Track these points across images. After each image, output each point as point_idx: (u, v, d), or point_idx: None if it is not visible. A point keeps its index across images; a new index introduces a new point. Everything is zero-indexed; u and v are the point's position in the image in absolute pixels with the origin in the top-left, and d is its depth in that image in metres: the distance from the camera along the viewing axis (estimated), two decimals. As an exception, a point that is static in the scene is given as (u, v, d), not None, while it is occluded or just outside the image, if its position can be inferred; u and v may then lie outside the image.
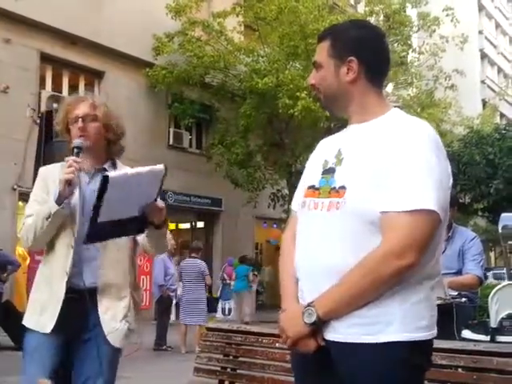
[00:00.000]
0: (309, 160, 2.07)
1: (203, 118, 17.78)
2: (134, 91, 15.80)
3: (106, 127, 2.73)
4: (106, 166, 2.76)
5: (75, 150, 2.58)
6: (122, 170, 2.41)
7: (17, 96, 13.06)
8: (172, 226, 18.68)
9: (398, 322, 1.73)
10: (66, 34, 13.98)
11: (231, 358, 3.56)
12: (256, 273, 15.65)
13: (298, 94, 13.67)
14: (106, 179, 2.24)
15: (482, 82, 42.15)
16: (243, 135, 16.06)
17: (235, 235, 18.69)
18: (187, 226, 19.35)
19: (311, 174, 1.99)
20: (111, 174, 2.33)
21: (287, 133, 16.78)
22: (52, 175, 2.68)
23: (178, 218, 18.48)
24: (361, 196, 1.76)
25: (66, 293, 2.57)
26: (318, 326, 1.77)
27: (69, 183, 2.50)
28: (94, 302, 2.59)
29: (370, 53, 1.92)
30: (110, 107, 2.84)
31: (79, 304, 2.56)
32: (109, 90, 15.22)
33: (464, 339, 3.95)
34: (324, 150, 2.00)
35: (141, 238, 2.70)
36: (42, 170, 2.80)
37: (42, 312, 2.61)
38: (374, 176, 1.75)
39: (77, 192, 2.61)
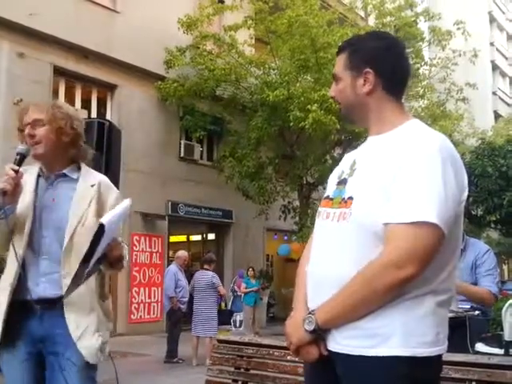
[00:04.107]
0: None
1: (214, 130, 17.81)
2: (146, 104, 15.91)
3: (57, 130, 2.56)
4: (66, 171, 2.63)
5: (17, 157, 2.46)
6: (112, 212, 2.25)
7: (30, 109, 13.16)
8: (183, 237, 18.73)
9: (399, 336, 1.69)
10: (78, 48, 14.11)
11: (242, 370, 3.53)
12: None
13: (308, 106, 13.65)
14: (102, 227, 2.10)
15: (494, 93, 42.04)
16: (254, 147, 16.07)
17: (246, 247, 18.69)
18: (198, 237, 19.36)
19: (329, 185, 2.01)
20: (105, 219, 2.14)
21: (298, 145, 16.78)
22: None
23: (189, 230, 18.50)
24: (366, 207, 1.75)
25: (15, 306, 2.46)
26: (320, 335, 1.77)
27: (4, 193, 2.36)
28: (61, 314, 2.45)
29: (388, 64, 1.91)
30: (64, 107, 2.66)
31: (30, 317, 2.48)
32: (121, 103, 15.36)
33: (478, 352, 3.89)
34: (344, 162, 2.02)
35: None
36: None
37: None
38: (381, 187, 1.74)
39: (28, 199, 2.51)
